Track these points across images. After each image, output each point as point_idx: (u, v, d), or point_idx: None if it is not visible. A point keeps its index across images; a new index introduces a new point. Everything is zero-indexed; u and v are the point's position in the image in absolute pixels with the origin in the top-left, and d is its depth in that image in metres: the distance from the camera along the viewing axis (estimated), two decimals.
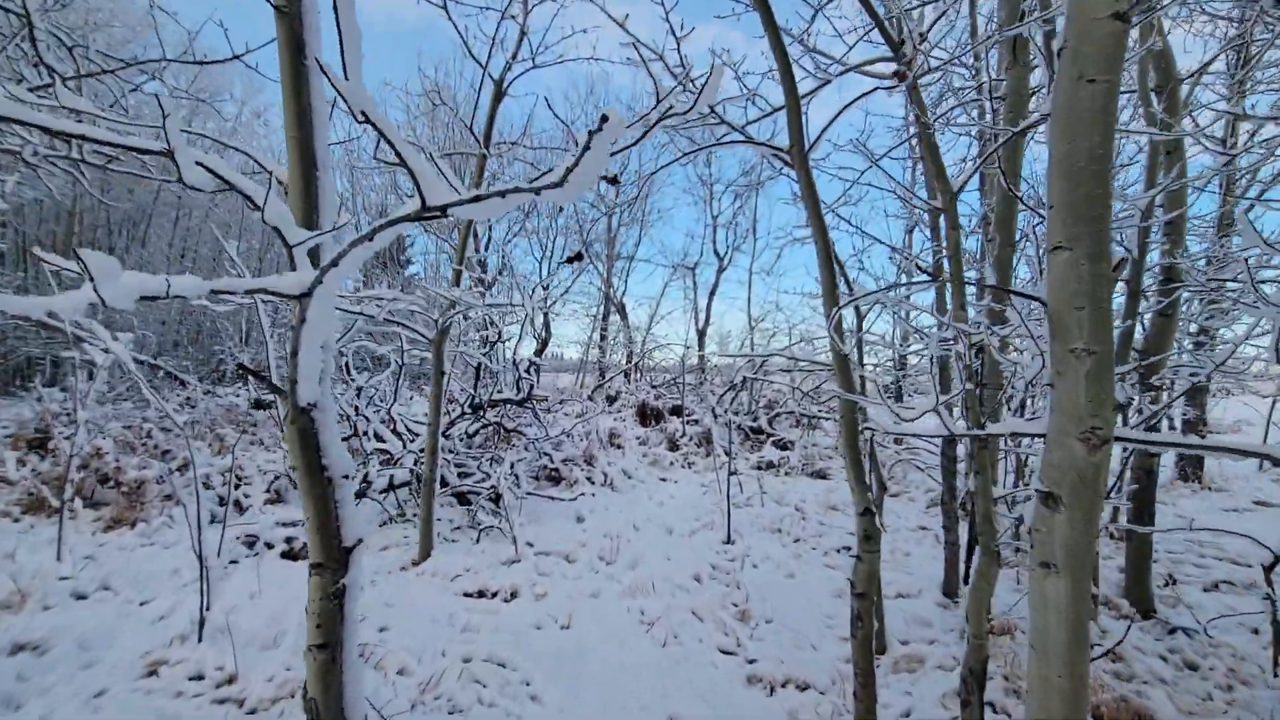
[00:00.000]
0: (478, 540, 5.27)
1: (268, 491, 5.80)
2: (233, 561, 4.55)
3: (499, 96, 4.72)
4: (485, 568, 4.53)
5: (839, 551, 5.55)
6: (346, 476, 1.47)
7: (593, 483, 7.35)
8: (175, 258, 18.49)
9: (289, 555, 4.77)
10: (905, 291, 2.21)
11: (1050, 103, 1.28)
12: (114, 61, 4.63)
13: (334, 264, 1.00)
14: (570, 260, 2.82)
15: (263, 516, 5.37)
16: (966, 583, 3.78)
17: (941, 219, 4.48)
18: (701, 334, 18.80)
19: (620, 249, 19.89)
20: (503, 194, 0.86)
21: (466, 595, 4.16)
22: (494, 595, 4.19)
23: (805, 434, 10.71)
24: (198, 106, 18.77)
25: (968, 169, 3.11)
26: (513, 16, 4.07)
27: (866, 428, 1.84)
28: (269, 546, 4.79)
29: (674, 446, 10.24)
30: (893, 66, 2.75)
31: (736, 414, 11.40)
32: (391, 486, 5.70)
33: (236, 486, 5.85)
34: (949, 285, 2.44)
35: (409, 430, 6.30)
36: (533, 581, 4.35)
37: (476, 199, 0.84)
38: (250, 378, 13.69)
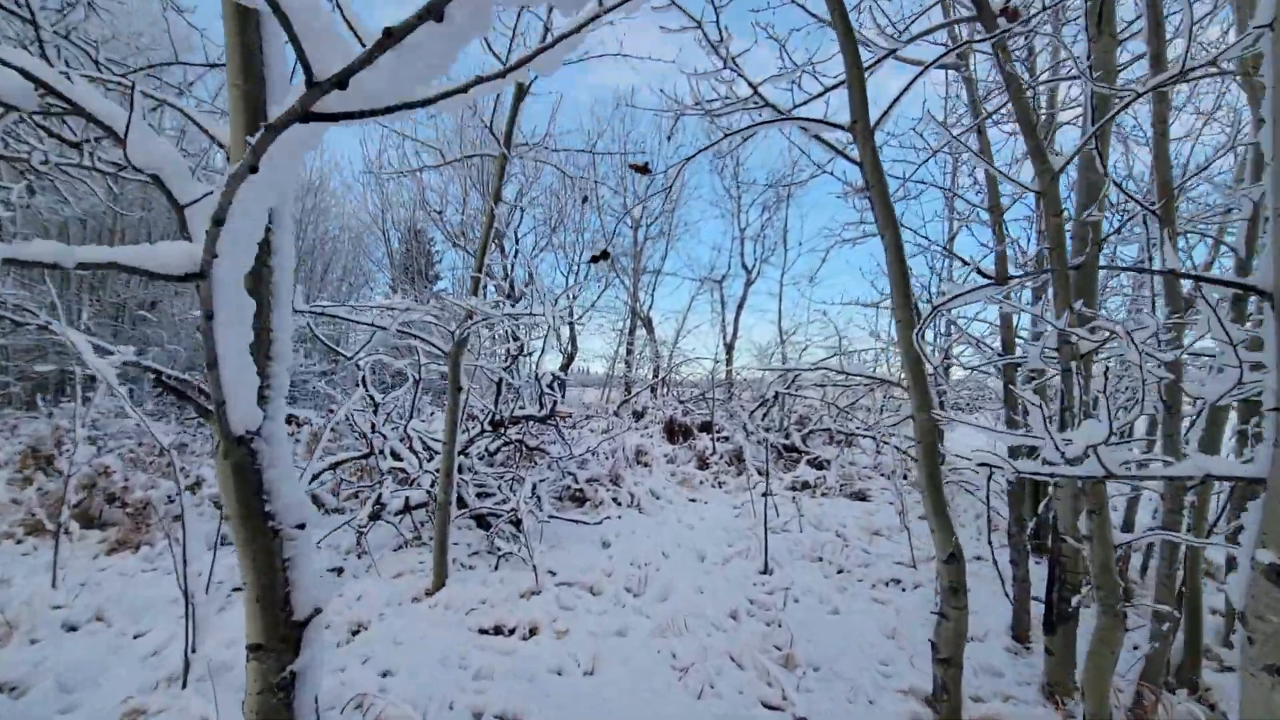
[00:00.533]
0: (496, 567, 4.92)
1: None
2: (236, 589, 4.27)
3: (521, 94, 4.45)
4: (502, 600, 4.18)
5: (887, 584, 5.07)
6: (302, 526, 1.13)
7: (619, 504, 6.97)
8: None
9: None
10: (999, 291, 1.81)
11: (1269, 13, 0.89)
12: (125, 67, 4.53)
13: (219, 222, 0.67)
14: (595, 259, 2.48)
15: None
16: (1046, 629, 3.30)
17: (1005, 216, 4.04)
18: (730, 348, 18.37)
19: (646, 263, 19.64)
20: (437, 13, 0.50)
21: (482, 631, 3.81)
22: (511, 632, 3.83)
23: (841, 452, 10.18)
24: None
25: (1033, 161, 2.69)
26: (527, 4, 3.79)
27: (983, 464, 1.46)
28: None
29: (704, 465, 9.81)
30: (961, 34, 2.37)
31: (768, 430, 10.92)
32: (408, 508, 5.40)
33: None
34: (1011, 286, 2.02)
35: (427, 448, 6.01)
36: (553, 617, 3.98)
37: (387, 37, 0.50)
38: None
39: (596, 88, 35.35)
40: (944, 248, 4.27)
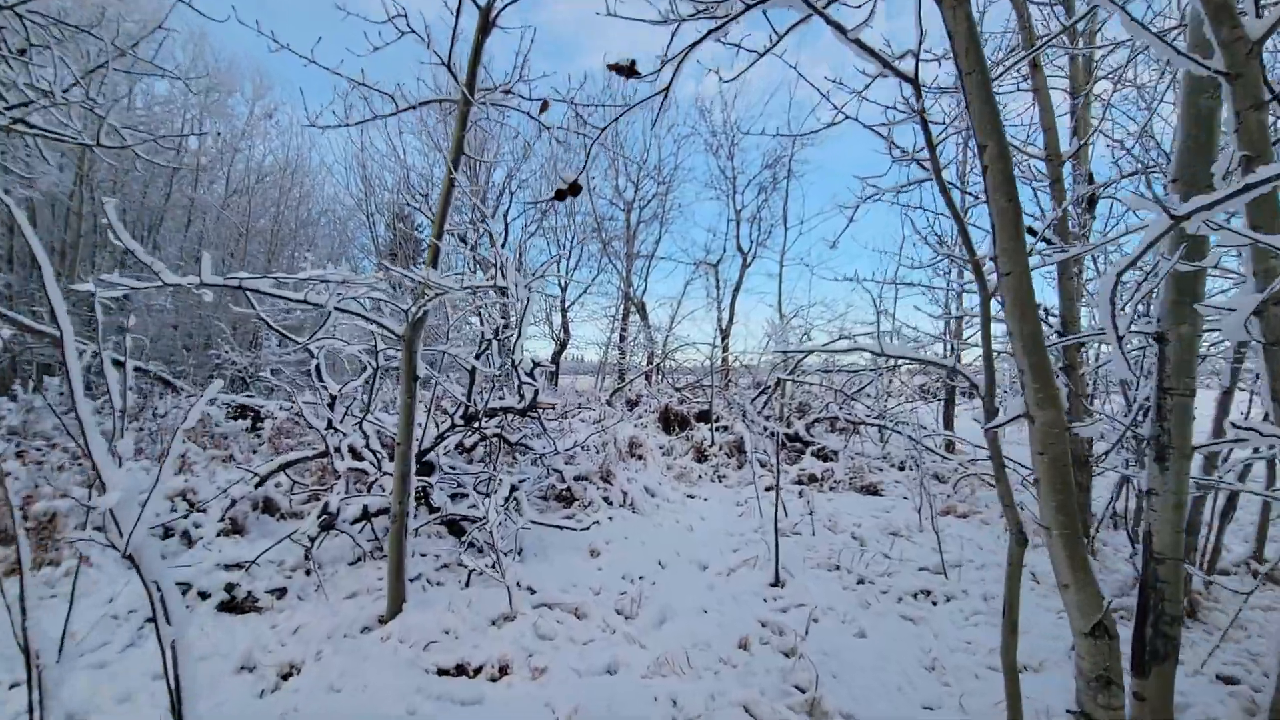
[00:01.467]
0: (467, 583, 4.26)
1: (223, 520, 4.86)
2: (150, 620, 3.58)
3: (485, 28, 3.72)
4: (469, 629, 3.51)
5: (916, 597, 4.44)
6: None
7: (610, 503, 6.32)
8: (189, 260, 17.87)
9: (229, 607, 3.81)
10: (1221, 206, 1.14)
11: None
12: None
13: None
14: (562, 195, 1.79)
15: (208, 554, 4.42)
16: (1136, 669, 2.65)
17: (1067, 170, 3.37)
18: (725, 333, 17.70)
19: (640, 247, 18.91)
20: None
21: (441, 672, 3.14)
22: (477, 671, 3.17)
23: (848, 442, 9.56)
24: (207, 106, 18.26)
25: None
26: None
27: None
28: (203, 597, 3.82)
29: (702, 457, 9.17)
30: None
31: (768, 419, 10.28)
32: (366, 515, 4.72)
33: (186, 515, 4.92)
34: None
35: (392, 445, 5.33)
36: (529, 651, 3.32)
37: None
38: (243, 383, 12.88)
39: (586, 72, 34.29)
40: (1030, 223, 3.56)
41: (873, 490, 7.80)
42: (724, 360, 15.43)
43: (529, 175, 17.46)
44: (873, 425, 8.80)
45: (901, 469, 8.90)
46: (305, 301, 3.25)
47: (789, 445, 9.59)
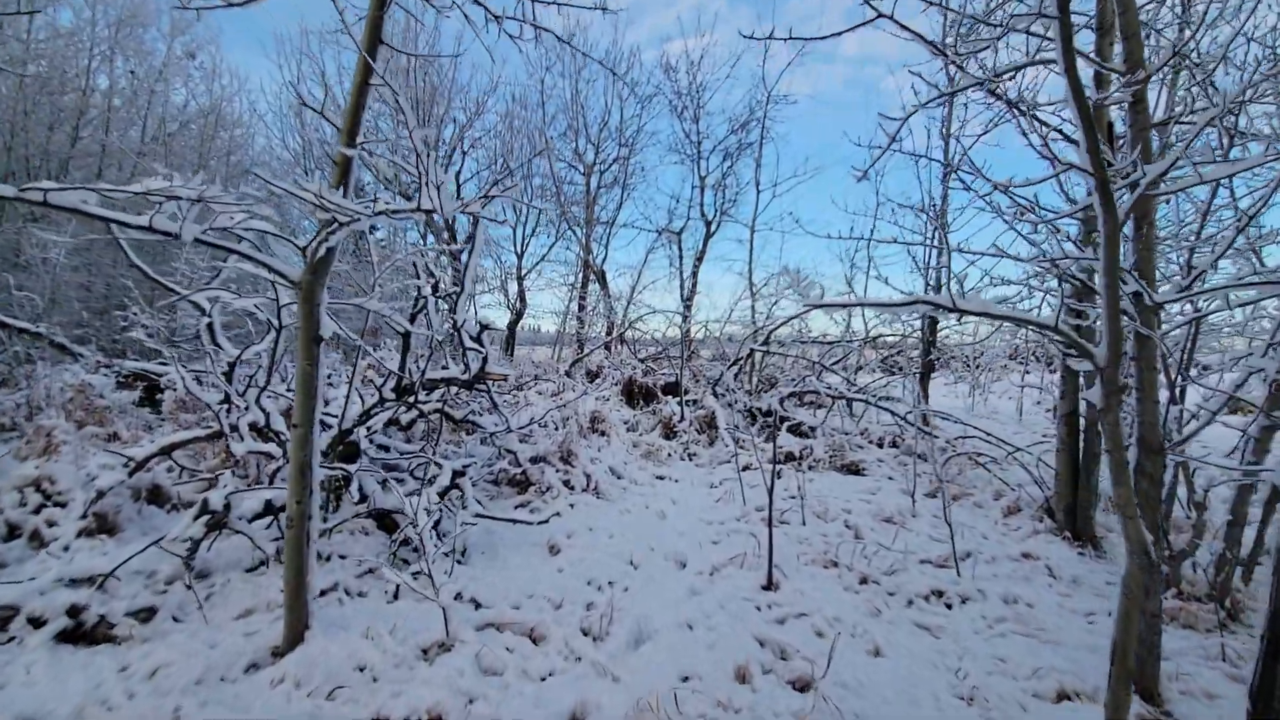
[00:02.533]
0: (396, 595, 3.46)
1: (85, 517, 3.88)
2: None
3: None
4: (392, 665, 2.71)
5: (928, 599, 3.85)
6: None
7: (571, 488, 5.55)
8: None
9: (71, 636, 2.90)
10: None
11: None
12: None
13: None
14: None
15: (57, 563, 3.47)
16: (1262, 711, 2.08)
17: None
18: (688, 304, 16.96)
19: (600, 213, 17.90)
20: None
21: None
22: None
23: (825, 417, 9.00)
24: (119, 40, 16.14)
25: None
26: None
27: None
28: (35, 624, 2.89)
29: (670, 433, 8.48)
30: None
31: (746, 393, 9.66)
32: (272, 510, 3.83)
33: (37, 511, 3.92)
34: None
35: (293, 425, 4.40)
36: (469, 695, 2.55)
37: None
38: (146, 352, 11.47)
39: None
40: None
41: (855, 470, 7.27)
42: (686, 332, 14.70)
43: (482, 134, 16.17)
44: (862, 402, 8.23)
45: (881, 446, 8.42)
46: (150, 229, 2.32)
47: (761, 419, 9.00)
